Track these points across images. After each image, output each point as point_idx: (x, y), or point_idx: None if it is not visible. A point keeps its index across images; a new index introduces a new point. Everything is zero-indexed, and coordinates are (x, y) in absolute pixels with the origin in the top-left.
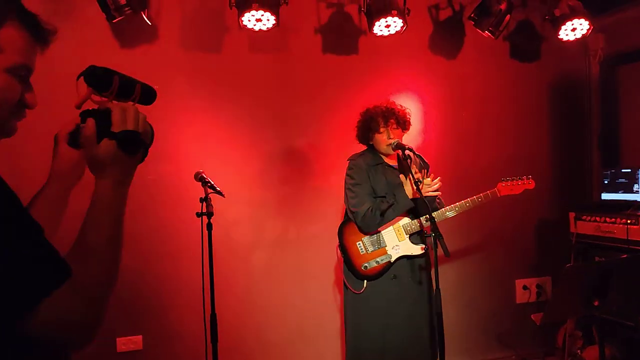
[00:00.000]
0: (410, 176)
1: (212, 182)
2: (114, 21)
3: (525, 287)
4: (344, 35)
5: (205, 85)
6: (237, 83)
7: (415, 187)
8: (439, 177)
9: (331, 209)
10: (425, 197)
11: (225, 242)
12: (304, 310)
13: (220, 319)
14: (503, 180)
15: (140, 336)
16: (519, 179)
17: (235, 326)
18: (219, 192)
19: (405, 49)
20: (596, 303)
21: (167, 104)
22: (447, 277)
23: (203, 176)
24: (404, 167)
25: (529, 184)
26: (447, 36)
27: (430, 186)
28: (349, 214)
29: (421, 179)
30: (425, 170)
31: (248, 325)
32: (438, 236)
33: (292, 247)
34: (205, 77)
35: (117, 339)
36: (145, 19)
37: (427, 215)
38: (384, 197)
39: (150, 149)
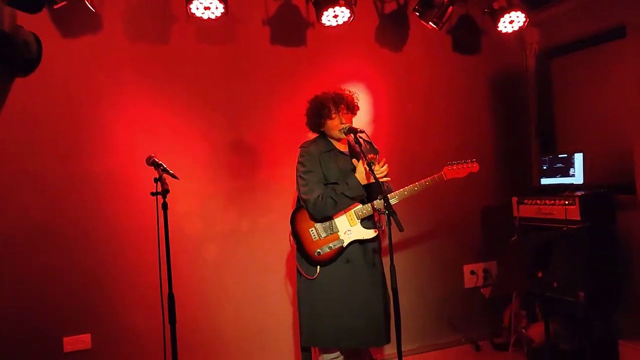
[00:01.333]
0: (363, 158)
1: (165, 166)
2: (55, 7)
3: (472, 272)
4: (292, 27)
5: (152, 76)
6: (185, 74)
7: (368, 168)
8: (386, 163)
9: (282, 200)
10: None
11: (176, 235)
12: (258, 303)
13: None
14: (449, 164)
15: (89, 334)
16: (464, 162)
17: (190, 320)
18: (172, 175)
19: (352, 41)
20: (540, 275)
21: (113, 95)
22: (398, 265)
23: (155, 160)
24: (355, 152)
25: (474, 167)
26: (392, 28)
27: (380, 172)
28: (301, 201)
29: (374, 161)
30: (375, 156)
31: (203, 318)
32: (392, 213)
33: (244, 239)
34: (152, 67)
35: (64, 339)
36: (89, 5)
37: (378, 199)
38: (336, 183)
39: (96, 140)
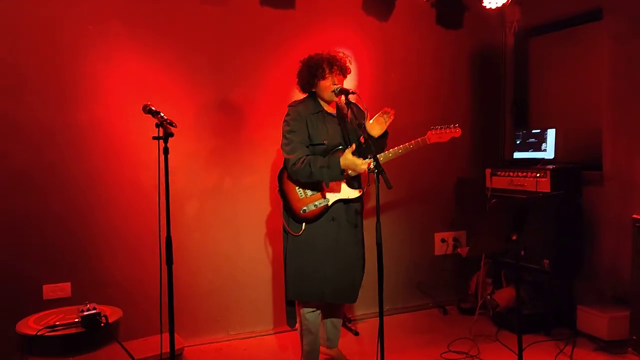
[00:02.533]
0: (352, 117)
1: (162, 113)
2: None
3: (443, 240)
4: None
5: (142, 29)
6: (174, 30)
7: (360, 130)
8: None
9: (264, 161)
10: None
11: (156, 189)
12: (237, 259)
13: (151, 266)
14: (433, 128)
15: (69, 283)
16: (447, 127)
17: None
18: (170, 123)
19: (340, 7)
20: (514, 237)
21: (101, 45)
22: (369, 230)
23: (152, 108)
24: (342, 114)
25: (456, 131)
26: None
27: (381, 122)
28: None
29: (362, 122)
30: (366, 114)
31: (181, 272)
32: (381, 172)
33: (225, 198)
34: (142, 20)
35: (44, 286)
36: None
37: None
38: (322, 144)
39: (82, 89)
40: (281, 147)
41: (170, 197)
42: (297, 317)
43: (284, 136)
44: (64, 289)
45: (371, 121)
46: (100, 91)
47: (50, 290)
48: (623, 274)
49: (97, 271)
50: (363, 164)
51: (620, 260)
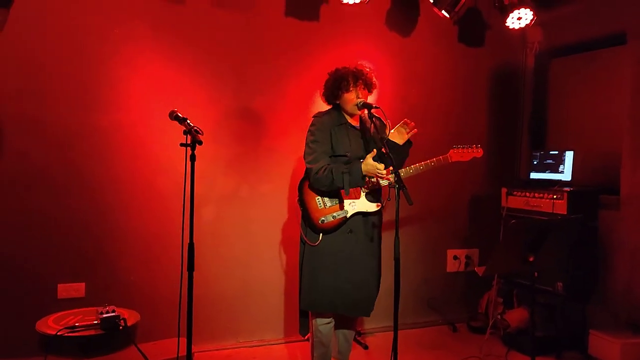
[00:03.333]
0: (374, 131)
1: (189, 120)
2: None
3: (455, 257)
4: (307, 1)
5: (167, 35)
6: (199, 37)
7: (381, 143)
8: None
9: (283, 170)
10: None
11: (175, 194)
12: (250, 266)
13: (166, 270)
14: (455, 147)
15: (83, 284)
16: (469, 146)
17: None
18: (197, 131)
19: (364, 22)
20: (531, 259)
21: (126, 50)
22: (387, 244)
23: (178, 114)
24: (365, 128)
25: (478, 152)
26: (403, 13)
27: (402, 132)
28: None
29: (385, 137)
30: (388, 126)
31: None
32: (402, 187)
33: (242, 205)
34: (167, 26)
35: (59, 285)
36: None
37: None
38: (345, 156)
39: (105, 93)
40: (304, 156)
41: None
42: (310, 328)
43: (307, 145)
44: (78, 289)
45: (392, 131)
46: (122, 94)
47: (65, 290)
48: (638, 299)
49: (111, 273)
50: (384, 170)
51: (635, 285)
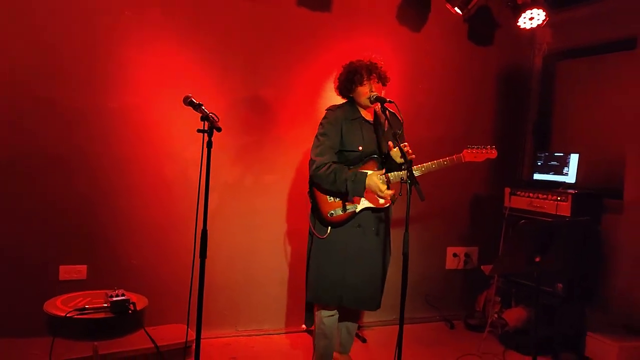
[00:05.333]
0: (388, 127)
1: (204, 106)
2: None
3: (455, 255)
4: None
5: (179, 20)
6: (210, 24)
7: (401, 153)
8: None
9: (289, 161)
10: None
11: (180, 181)
12: (252, 256)
13: (170, 256)
14: (468, 147)
15: (85, 266)
16: (484, 147)
17: (183, 266)
18: (214, 117)
19: (375, 15)
20: (537, 259)
21: (138, 33)
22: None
23: (193, 100)
24: (379, 121)
25: (492, 153)
26: (414, 8)
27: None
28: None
29: (398, 132)
30: (400, 132)
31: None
32: (414, 183)
33: (246, 194)
34: (179, 12)
35: (60, 267)
36: None
37: (400, 171)
38: (357, 151)
39: (114, 76)
40: (311, 147)
41: (191, 189)
42: (315, 320)
43: (316, 137)
44: (80, 271)
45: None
46: (132, 78)
47: (66, 272)
48: (638, 304)
49: (113, 256)
50: (386, 193)
51: (635, 290)
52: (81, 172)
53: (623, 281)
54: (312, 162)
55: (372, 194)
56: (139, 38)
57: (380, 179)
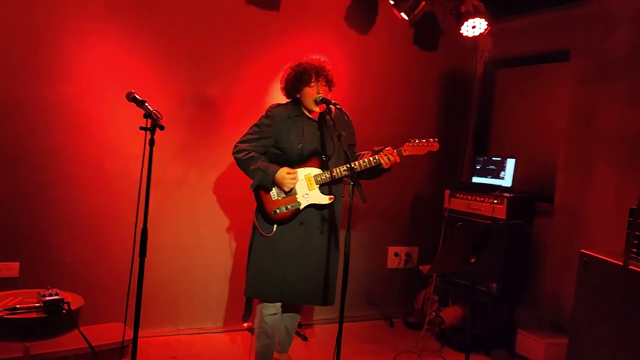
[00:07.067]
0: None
1: (147, 102)
2: None
3: (396, 254)
4: None
5: (122, 11)
6: (155, 17)
7: (338, 140)
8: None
9: (233, 159)
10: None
11: (121, 176)
12: (193, 254)
13: (107, 252)
14: (410, 140)
15: (17, 263)
16: (425, 140)
17: (121, 263)
18: (156, 115)
19: (323, 16)
20: (472, 260)
21: (78, 23)
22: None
23: (136, 96)
24: (325, 122)
25: (434, 146)
26: (362, 11)
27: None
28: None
29: (342, 133)
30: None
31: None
32: (357, 184)
33: (189, 192)
34: (122, 4)
35: None
36: None
37: (339, 168)
38: (297, 148)
39: (51, 65)
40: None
41: (132, 184)
42: (254, 317)
43: (251, 127)
44: (12, 268)
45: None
46: (72, 69)
47: None
48: (564, 303)
49: (48, 253)
50: (290, 183)
51: (562, 290)
52: (16, 163)
53: (551, 281)
54: (235, 145)
55: (318, 193)
56: (79, 29)
57: (289, 176)
